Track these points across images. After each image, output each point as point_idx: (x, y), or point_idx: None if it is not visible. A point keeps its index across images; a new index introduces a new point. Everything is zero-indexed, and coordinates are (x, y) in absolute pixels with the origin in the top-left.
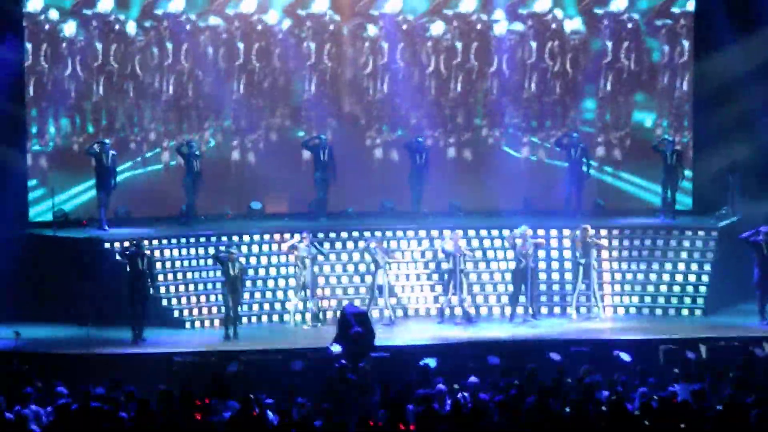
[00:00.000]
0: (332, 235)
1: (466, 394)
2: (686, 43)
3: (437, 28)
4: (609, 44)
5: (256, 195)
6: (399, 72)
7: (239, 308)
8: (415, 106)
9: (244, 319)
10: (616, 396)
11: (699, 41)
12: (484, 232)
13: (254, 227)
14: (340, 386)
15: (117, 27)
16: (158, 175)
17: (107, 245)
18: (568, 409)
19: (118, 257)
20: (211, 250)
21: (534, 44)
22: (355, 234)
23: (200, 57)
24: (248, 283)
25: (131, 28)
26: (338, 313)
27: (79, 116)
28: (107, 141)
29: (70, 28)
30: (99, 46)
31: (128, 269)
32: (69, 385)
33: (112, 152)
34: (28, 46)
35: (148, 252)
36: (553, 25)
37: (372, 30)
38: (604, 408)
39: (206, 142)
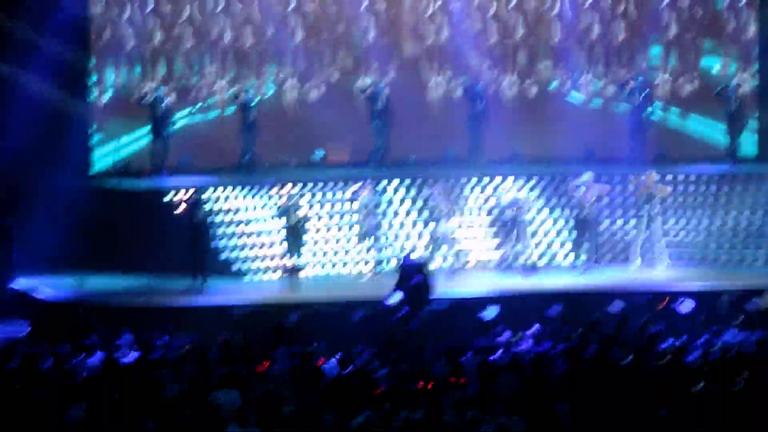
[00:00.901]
0: (395, 182)
1: (526, 344)
2: None
3: None
4: None
5: (317, 143)
6: (460, 15)
7: (299, 257)
8: (476, 50)
9: (306, 271)
10: (678, 346)
11: None
12: (546, 180)
13: (316, 176)
14: (399, 336)
15: None
16: (218, 122)
17: (167, 197)
18: (630, 359)
19: (176, 209)
20: (273, 200)
21: None
22: (418, 182)
23: (259, 2)
24: (309, 234)
25: None
26: (398, 263)
27: (140, 64)
28: (161, 89)
29: None
30: None
31: (187, 220)
32: (134, 335)
33: (167, 99)
34: None
35: (206, 203)
36: None
37: None
38: (666, 358)
39: (265, 89)
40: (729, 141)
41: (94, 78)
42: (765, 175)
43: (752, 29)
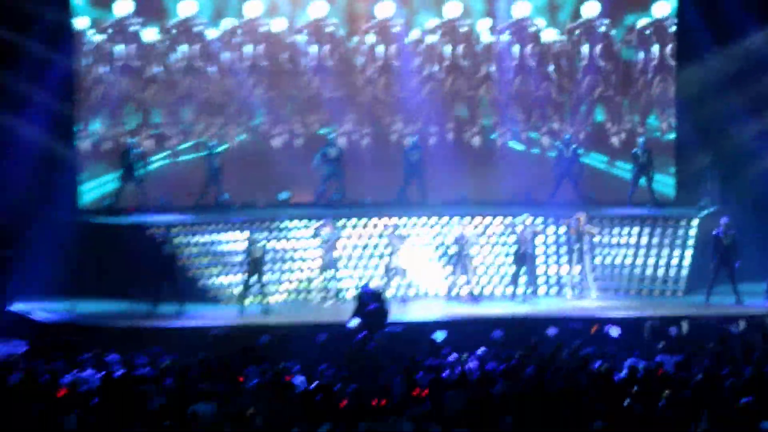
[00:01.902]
0: (352, 221)
1: (472, 365)
2: (666, 52)
3: (434, 37)
4: (592, 51)
5: (283, 185)
6: (410, 74)
7: (262, 286)
8: (424, 105)
9: (275, 297)
10: (606, 366)
11: (681, 49)
12: (488, 220)
13: (282, 215)
14: (358, 356)
15: (153, 34)
16: (192, 166)
17: (148, 231)
18: (564, 378)
19: (152, 240)
20: (243, 235)
21: (532, 51)
22: (374, 221)
23: (231, 62)
24: (277, 265)
25: (152, 34)
26: (357, 291)
27: (120, 113)
28: (132, 141)
29: (110, 39)
30: (133, 49)
31: (160, 252)
32: (120, 354)
33: (138, 151)
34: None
35: (177, 238)
36: (549, 35)
37: (385, 38)
38: (594, 377)
39: (236, 137)
40: (648, 188)
41: (80, 126)
42: (681, 217)
43: (671, 89)
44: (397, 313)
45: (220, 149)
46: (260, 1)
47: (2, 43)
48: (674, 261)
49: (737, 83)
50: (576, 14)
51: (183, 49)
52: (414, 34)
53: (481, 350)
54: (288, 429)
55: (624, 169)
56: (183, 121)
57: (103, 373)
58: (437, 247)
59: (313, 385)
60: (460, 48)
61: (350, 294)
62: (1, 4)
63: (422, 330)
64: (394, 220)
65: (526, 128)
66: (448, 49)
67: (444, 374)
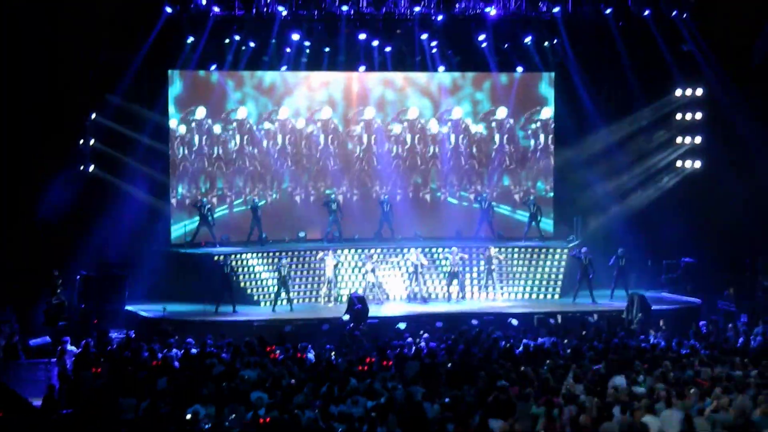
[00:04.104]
0: (345, 251)
1: (423, 344)
2: (548, 139)
3: (400, 128)
4: (502, 138)
5: (302, 227)
6: (384, 154)
7: (287, 293)
8: (393, 174)
9: (295, 301)
10: (509, 345)
11: (557, 138)
12: (433, 250)
13: (300, 247)
14: (350, 339)
15: (219, 129)
16: (243, 215)
17: (214, 258)
18: (481, 353)
19: (216, 264)
20: (275, 260)
21: (463, 138)
22: (360, 251)
23: (268, 147)
24: (297, 280)
25: (218, 128)
26: (348, 297)
27: (196, 181)
28: (204, 199)
29: (189, 132)
30: (204, 139)
31: (221, 271)
32: (195, 338)
33: (207, 206)
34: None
35: (232, 262)
36: (474, 128)
37: (368, 130)
38: (501, 352)
39: (271, 196)
40: (537, 228)
41: (171, 189)
42: (557, 247)
43: (551, 164)
44: (374, 311)
45: (260, 204)
46: (288, 107)
47: (123, 136)
48: (553, 275)
49: (595, 160)
50: (492, 115)
51: (236, 139)
52: (387, 128)
53: (427, 335)
54: (302, 389)
55: (522, 215)
56: (236, 186)
57: (183, 350)
58: (400, 267)
59: (320, 359)
60: (416, 137)
61: (344, 298)
62: (125, 111)
63: (390, 322)
64: (373, 250)
65: (458, 189)
66: (408, 138)
67: (405, 351)
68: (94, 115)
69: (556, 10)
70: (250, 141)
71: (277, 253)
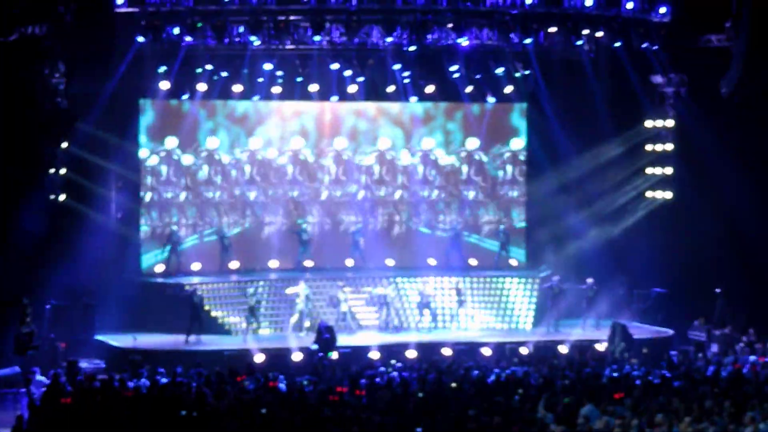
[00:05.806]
0: (317, 281)
1: (395, 374)
2: (519, 170)
3: (370, 159)
4: (471, 169)
5: (272, 256)
6: (354, 184)
7: (257, 322)
8: (363, 204)
9: (265, 330)
10: (481, 374)
11: (528, 170)
12: (405, 280)
13: (270, 276)
14: (319, 368)
15: (189, 159)
16: (213, 245)
17: (184, 287)
18: (453, 382)
19: (186, 293)
20: (245, 289)
21: (432, 170)
22: (330, 281)
23: (237, 177)
24: (266, 309)
25: (189, 159)
26: (317, 326)
27: (167, 210)
28: (175, 228)
29: (160, 162)
30: (173, 170)
31: (191, 300)
32: (166, 368)
33: (176, 234)
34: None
35: (201, 291)
36: (445, 160)
37: (338, 161)
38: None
39: (242, 225)
40: (506, 257)
41: (142, 218)
42: (528, 276)
43: (522, 195)
44: (346, 341)
45: (230, 233)
46: (261, 137)
47: (94, 165)
48: (524, 305)
49: (566, 190)
50: (462, 146)
51: (205, 169)
52: (357, 159)
53: (400, 364)
54: (277, 416)
55: (492, 245)
56: (206, 215)
57: (155, 380)
58: (372, 297)
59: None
60: (385, 168)
61: (313, 328)
62: (96, 139)
63: (362, 351)
64: (344, 282)
65: (429, 219)
66: (377, 168)
67: (377, 380)
68: (65, 144)
69: (528, 41)
70: (221, 171)
71: (248, 282)
